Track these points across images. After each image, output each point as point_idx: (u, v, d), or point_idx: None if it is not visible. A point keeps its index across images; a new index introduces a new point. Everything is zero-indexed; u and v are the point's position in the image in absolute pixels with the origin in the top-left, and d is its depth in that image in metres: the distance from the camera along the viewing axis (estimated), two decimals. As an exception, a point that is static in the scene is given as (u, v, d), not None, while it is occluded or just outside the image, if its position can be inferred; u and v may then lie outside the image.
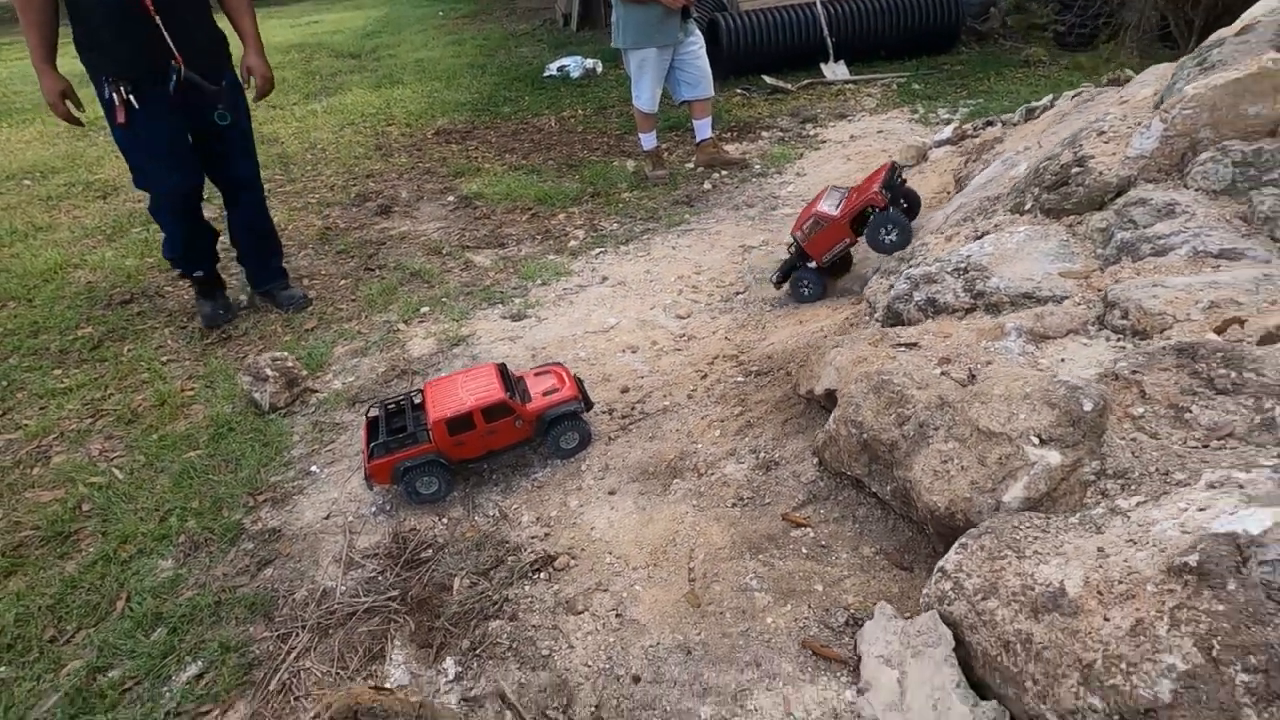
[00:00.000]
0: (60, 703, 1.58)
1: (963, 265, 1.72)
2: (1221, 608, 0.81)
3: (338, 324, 3.11)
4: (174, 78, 2.61)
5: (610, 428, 2.21)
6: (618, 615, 1.45)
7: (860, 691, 1.09)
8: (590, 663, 1.36)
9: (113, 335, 3.13)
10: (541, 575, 1.64)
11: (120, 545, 2.01)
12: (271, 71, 2.95)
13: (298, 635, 1.65)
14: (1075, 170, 1.77)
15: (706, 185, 4.34)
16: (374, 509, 2.03)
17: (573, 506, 1.90)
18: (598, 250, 3.62)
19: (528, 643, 1.45)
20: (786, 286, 2.78)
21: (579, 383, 2.20)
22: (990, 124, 3.74)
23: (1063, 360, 1.40)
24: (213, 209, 3.68)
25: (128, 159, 2.79)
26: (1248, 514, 0.89)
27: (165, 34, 2.57)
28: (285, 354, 2.67)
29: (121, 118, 2.60)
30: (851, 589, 1.33)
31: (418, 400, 2.12)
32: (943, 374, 1.41)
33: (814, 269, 2.67)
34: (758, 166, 4.56)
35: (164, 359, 2.93)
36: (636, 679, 1.28)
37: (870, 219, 2.46)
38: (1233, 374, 1.15)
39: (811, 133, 5.15)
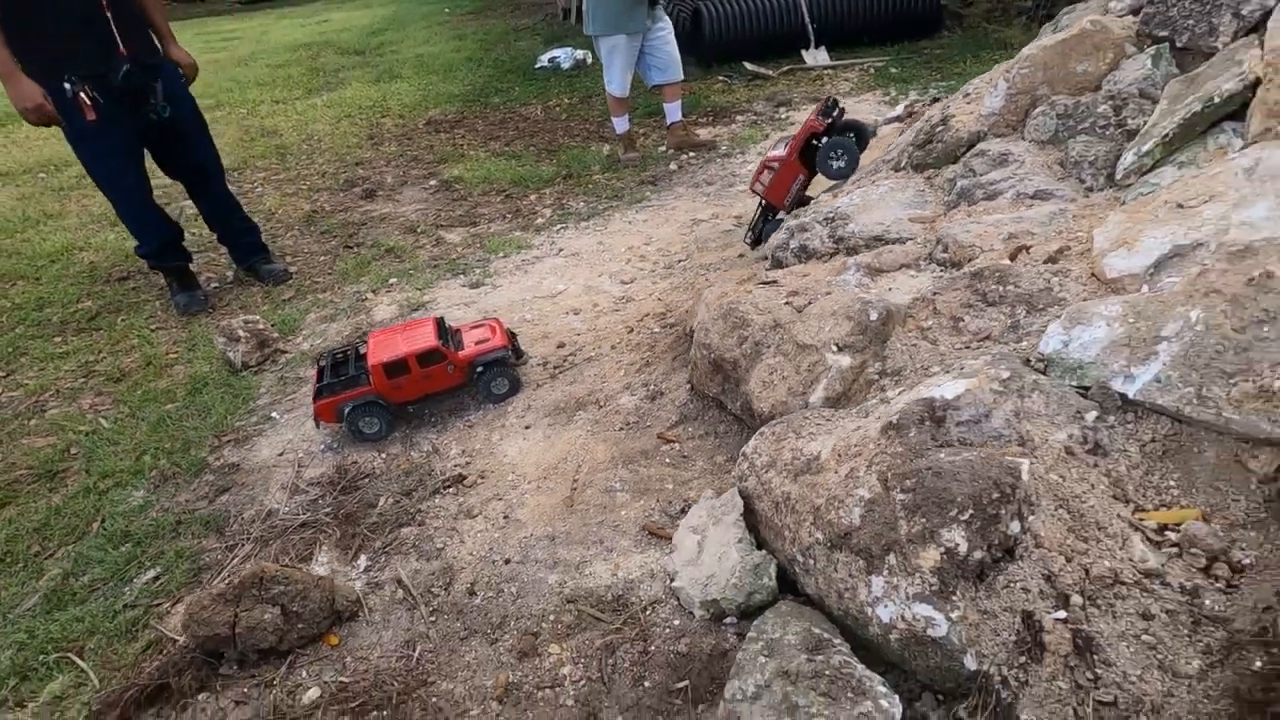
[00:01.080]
0: (40, 601, 1.84)
1: (830, 215, 1.91)
2: (899, 449, 1.00)
3: (313, 294, 3.36)
4: (122, 69, 2.70)
5: (541, 377, 2.43)
6: (505, 517, 1.67)
7: (670, 553, 1.30)
8: (474, 552, 1.58)
9: (109, 308, 3.41)
10: (451, 491, 1.86)
11: (100, 480, 2.27)
12: (193, 59, 3.10)
13: (242, 545, 1.89)
14: (939, 128, 1.95)
15: (673, 166, 4.53)
16: (323, 447, 2.26)
17: (494, 441, 2.11)
18: (559, 226, 3.83)
19: (428, 540, 1.68)
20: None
21: (511, 335, 2.41)
22: (936, 100, 3.88)
23: (890, 289, 1.58)
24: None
25: (91, 161, 2.89)
26: (949, 384, 1.08)
27: (114, 29, 2.68)
28: (258, 318, 2.93)
29: (92, 115, 2.69)
30: (697, 487, 1.53)
31: (362, 350, 2.35)
32: (786, 303, 1.61)
33: (783, 218, 2.78)
34: (724, 148, 4.73)
35: (153, 327, 3.20)
36: (507, 561, 1.50)
37: (818, 150, 2.51)
38: (1000, 289, 1.33)
39: (783, 116, 5.31)
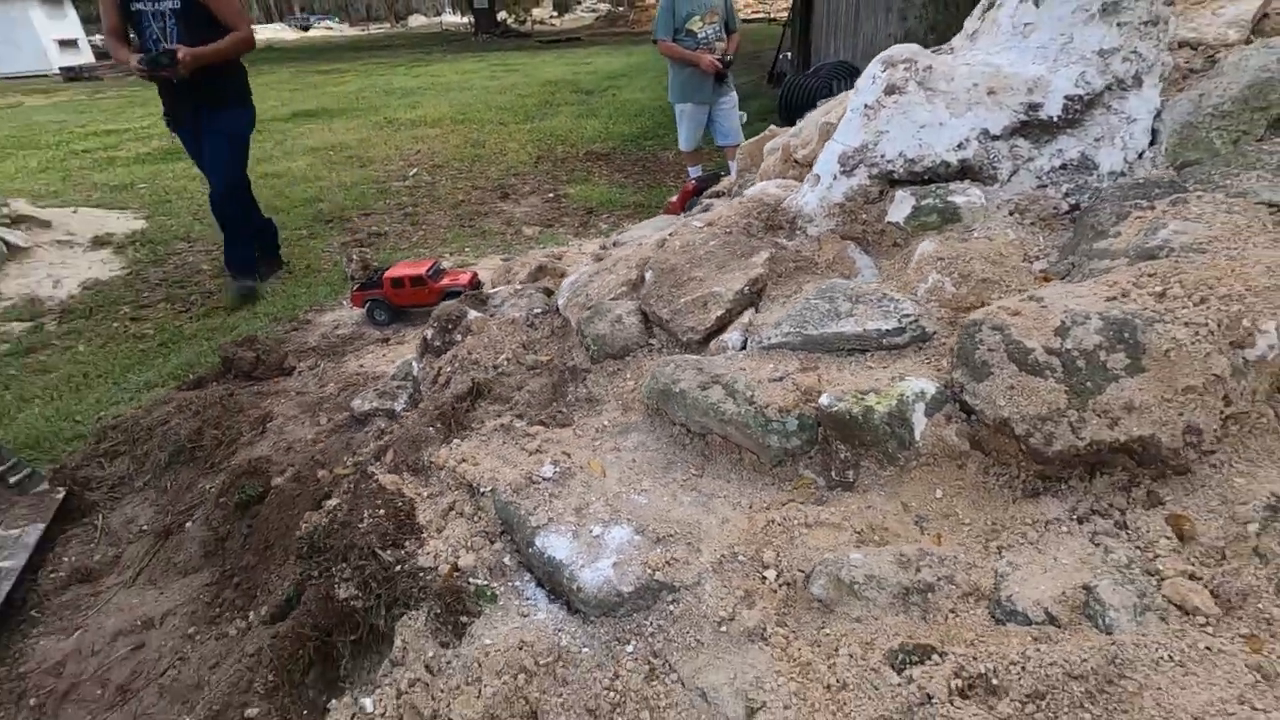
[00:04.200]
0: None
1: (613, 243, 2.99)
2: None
3: (422, 247, 5.05)
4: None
5: (489, 313, 3.75)
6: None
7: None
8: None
9: (311, 235, 5.42)
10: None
11: (279, 306, 4.05)
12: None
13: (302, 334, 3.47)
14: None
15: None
16: (358, 321, 3.82)
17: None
18: (601, 237, 5.13)
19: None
20: None
21: (478, 280, 3.77)
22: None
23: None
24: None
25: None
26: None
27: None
28: (369, 251, 4.64)
29: None
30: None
31: (378, 273, 3.88)
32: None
33: None
34: (770, 202, 5.68)
35: (321, 250, 5.11)
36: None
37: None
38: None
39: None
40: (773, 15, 16.62)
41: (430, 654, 1.31)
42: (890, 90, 1.67)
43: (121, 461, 2.65)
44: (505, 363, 2.07)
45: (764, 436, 1.44)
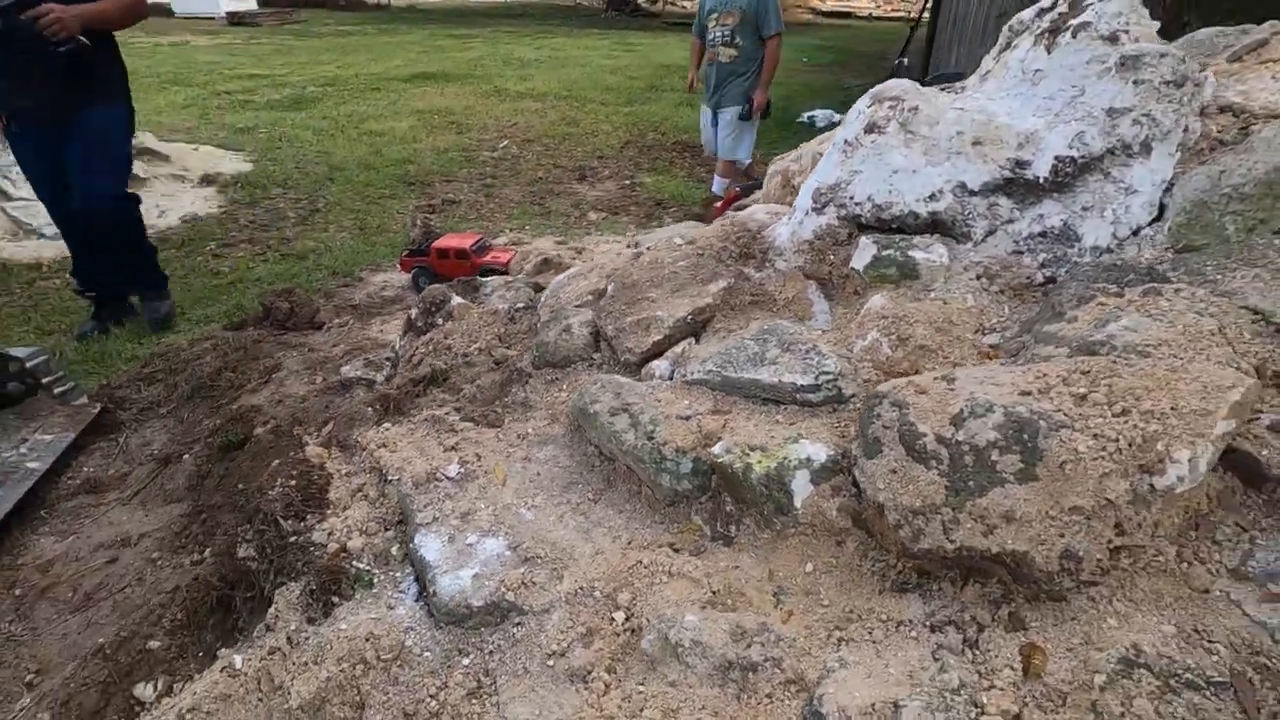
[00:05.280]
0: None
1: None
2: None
3: (486, 221, 5.20)
4: None
5: (522, 295, 3.83)
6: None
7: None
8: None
9: (391, 196, 5.70)
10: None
11: (337, 259, 4.32)
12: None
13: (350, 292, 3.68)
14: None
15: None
16: (404, 285, 3.99)
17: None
18: (655, 227, 5.09)
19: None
20: None
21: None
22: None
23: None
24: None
25: None
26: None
27: None
28: (434, 218, 4.83)
29: None
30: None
31: (428, 242, 4.02)
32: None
33: None
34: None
35: (397, 211, 5.35)
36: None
37: None
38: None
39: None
40: (911, 15, 15.75)
41: (294, 626, 1.38)
42: (870, 129, 1.55)
43: (156, 388, 2.91)
44: (476, 353, 2.11)
45: (656, 474, 1.40)
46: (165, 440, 2.60)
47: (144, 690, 1.51)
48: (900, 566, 1.19)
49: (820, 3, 24.30)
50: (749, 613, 1.18)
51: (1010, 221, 1.45)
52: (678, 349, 1.63)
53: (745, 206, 3.41)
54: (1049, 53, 1.46)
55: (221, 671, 1.39)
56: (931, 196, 1.48)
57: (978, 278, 1.46)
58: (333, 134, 7.47)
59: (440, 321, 2.24)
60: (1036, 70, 1.48)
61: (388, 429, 1.73)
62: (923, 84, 4.81)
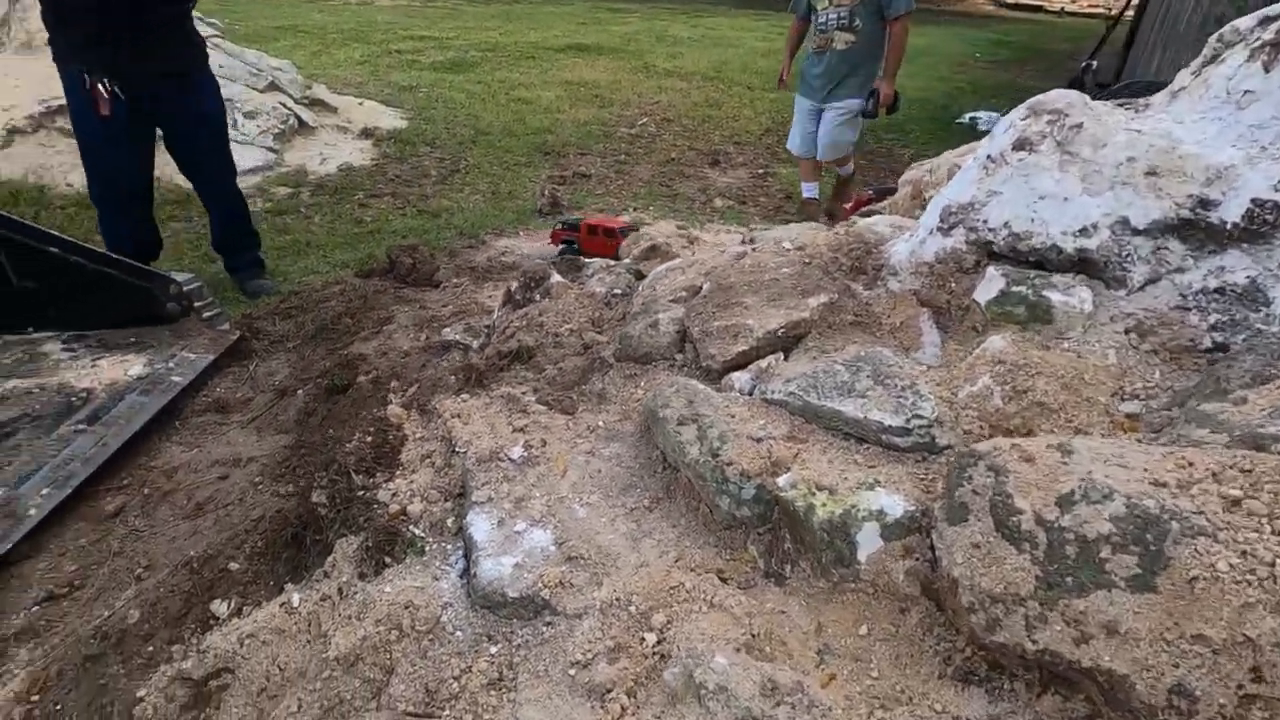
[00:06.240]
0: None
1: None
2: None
3: (612, 198, 5.22)
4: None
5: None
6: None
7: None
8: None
9: (527, 164, 5.84)
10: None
11: (467, 221, 4.52)
12: None
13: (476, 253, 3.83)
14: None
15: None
16: (526, 253, 4.09)
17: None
18: (781, 220, 4.89)
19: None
20: None
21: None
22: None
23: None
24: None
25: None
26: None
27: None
28: (561, 190, 4.89)
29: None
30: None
31: (581, 218, 4.05)
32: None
33: None
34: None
35: (529, 179, 5.48)
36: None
37: None
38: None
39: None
40: (1112, 11, 14.03)
41: (345, 578, 1.43)
42: (1020, 145, 1.34)
43: (288, 323, 3.16)
44: (566, 333, 2.10)
45: (717, 494, 1.32)
46: (286, 374, 2.82)
47: (219, 606, 1.63)
48: (969, 653, 1.04)
49: (1006, -7, 22.25)
50: (786, 666, 1.08)
51: (1180, 270, 1.21)
52: (763, 363, 1.52)
53: (874, 213, 3.18)
54: (1267, 71, 1.19)
55: (280, 606, 1.47)
56: (1083, 230, 1.26)
57: (1126, 331, 1.24)
58: (484, 98, 7.76)
59: (538, 298, 2.24)
60: (1246, 92, 1.22)
61: (465, 400, 1.75)
62: (1106, 92, 4.07)
